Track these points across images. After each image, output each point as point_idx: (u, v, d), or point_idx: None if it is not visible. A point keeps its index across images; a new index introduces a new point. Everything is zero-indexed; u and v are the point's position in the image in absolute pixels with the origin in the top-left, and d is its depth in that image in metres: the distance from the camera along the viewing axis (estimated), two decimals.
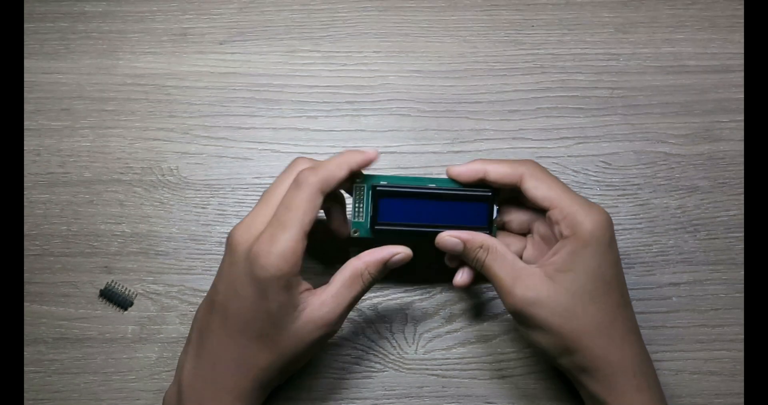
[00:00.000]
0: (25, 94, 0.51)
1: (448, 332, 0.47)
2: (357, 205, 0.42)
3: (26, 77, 0.51)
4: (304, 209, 0.37)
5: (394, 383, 0.46)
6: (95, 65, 0.52)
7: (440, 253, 0.42)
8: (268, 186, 0.49)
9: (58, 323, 0.46)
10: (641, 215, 0.49)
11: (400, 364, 0.46)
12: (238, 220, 0.48)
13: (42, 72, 0.51)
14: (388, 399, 0.46)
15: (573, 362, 0.39)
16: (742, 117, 0.51)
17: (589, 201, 0.40)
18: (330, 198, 0.41)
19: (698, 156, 0.50)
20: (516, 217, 0.43)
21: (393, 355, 0.46)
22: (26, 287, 0.46)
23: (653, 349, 0.41)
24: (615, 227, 0.40)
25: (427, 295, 0.47)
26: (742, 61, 0.52)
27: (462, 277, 0.43)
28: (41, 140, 0.50)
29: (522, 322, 0.40)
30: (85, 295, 0.47)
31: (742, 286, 0.47)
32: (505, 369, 0.46)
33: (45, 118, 0.50)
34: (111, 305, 0.47)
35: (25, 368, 0.45)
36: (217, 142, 0.50)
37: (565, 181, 0.44)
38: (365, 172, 0.41)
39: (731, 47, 0.52)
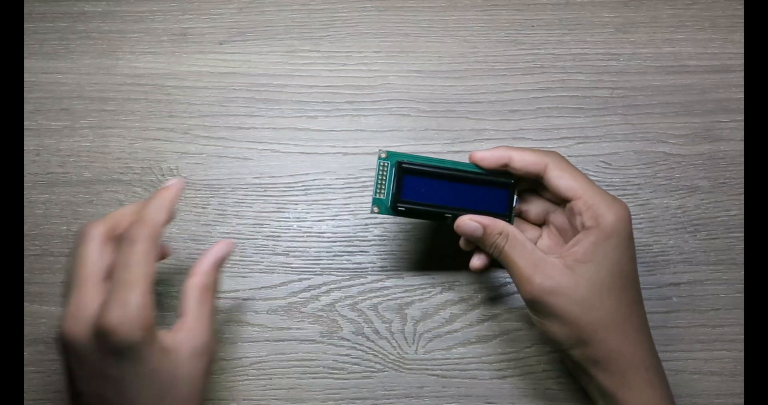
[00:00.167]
0: (25, 94, 0.51)
1: (448, 332, 0.47)
2: (379, 181, 0.42)
3: (26, 77, 0.51)
4: (146, 262, 0.35)
5: (394, 383, 0.46)
6: (95, 65, 0.52)
7: (451, 237, 0.42)
8: (267, 186, 0.49)
9: (58, 323, 0.46)
10: (641, 215, 0.49)
11: (400, 364, 0.46)
12: (238, 220, 0.48)
13: (42, 72, 0.51)
14: (388, 399, 0.46)
15: (585, 354, 0.39)
16: (742, 117, 0.51)
17: (611, 194, 0.40)
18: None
19: (698, 156, 0.50)
20: (533, 207, 0.43)
21: (393, 355, 0.46)
22: (26, 287, 0.46)
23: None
24: None
25: (427, 295, 0.47)
26: (742, 61, 0.52)
27: (478, 261, 0.43)
28: (41, 140, 0.50)
29: (538, 312, 0.40)
30: None
31: (742, 286, 0.47)
32: (505, 369, 0.46)
33: (45, 118, 0.50)
34: None
35: (25, 368, 0.45)
36: (217, 142, 0.50)
37: None
38: (390, 149, 0.42)
39: (731, 47, 0.52)
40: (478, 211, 0.41)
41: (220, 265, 0.40)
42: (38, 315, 0.46)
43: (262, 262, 0.48)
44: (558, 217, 0.42)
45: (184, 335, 0.37)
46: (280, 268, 0.48)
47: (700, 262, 0.48)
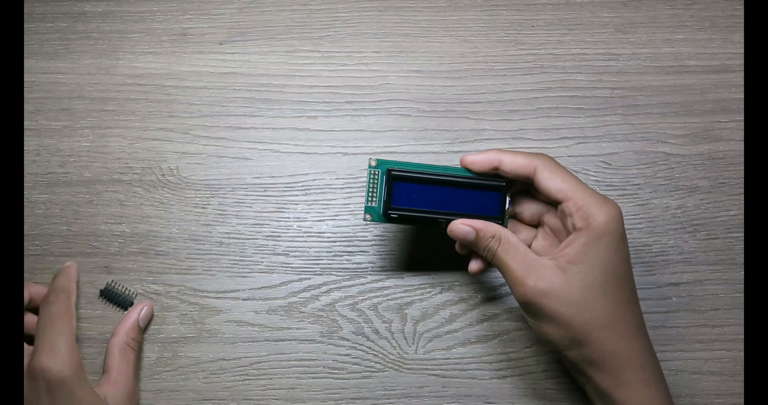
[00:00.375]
0: (25, 94, 0.51)
1: (448, 332, 0.47)
2: (371, 189, 0.42)
3: (26, 77, 0.51)
4: (68, 317, 0.41)
5: (394, 383, 0.46)
6: (95, 65, 0.52)
7: (447, 240, 0.42)
8: (267, 186, 0.49)
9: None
10: (641, 215, 0.49)
11: (400, 364, 0.46)
12: (238, 220, 0.48)
13: (42, 72, 0.51)
14: (388, 399, 0.46)
15: (581, 355, 0.39)
16: (742, 117, 0.51)
17: (602, 194, 0.40)
18: None
19: (698, 156, 0.50)
20: (527, 209, 0.43)
21: (393, 355, 0.46)
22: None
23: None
24: None
25: (427, 295, 0.47)
26: (742, 61, 0.52)
27: (475, 265, 0.43)
28: (41, 140, 0.50)
29: (532, 313, 0.40)
30: (85, 295, 0.47)
31: (742, 286, 0.47)
32: (505, 369, 0.46)
33: (45, 118, 0.50)
34: (111, 305, 0.47)
35: None
36: (217, 142, 0.50)
37: None
38: (380, 158, 0.42)
39: (731, 47, 0.52)
40: (471, 214, 0.41)
41: (141, 325, 0.45)
42: None
43: (262, 262, 0.48)
44: (552, 218, 0.42)
45: (109, 388, 0.42)
46: (280, 268, 0.48)
47: (699, 262, 0.48)
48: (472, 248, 0.42)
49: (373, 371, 0.46)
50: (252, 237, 0.48)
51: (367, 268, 0.48)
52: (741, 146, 0.50)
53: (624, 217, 0.48)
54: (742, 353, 0.46)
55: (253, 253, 0.48)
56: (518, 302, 0.40)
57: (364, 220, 0.42)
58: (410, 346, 0.46)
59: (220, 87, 0.51)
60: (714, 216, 0.49)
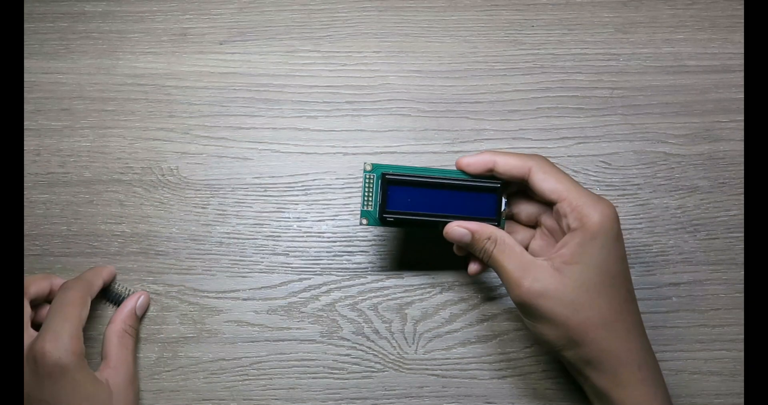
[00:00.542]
0: (25, 94, 0.51)
1: (448, 332, 0.47)
2: (366, 193, 0.42)
3: (26, 77, 0.51)
4: (79, 305, 0.42)
5: (394, 383, 0.46)
6: (95, 65, 0.52)
7: (446, 242, 0.42)
8: (267, 186, 0.49)
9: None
10: (641, 215, 0.49)
11: (400, 364, 0.46)
12: (238, 220, 0.48)
13: (42, 72, 0.51)
14: (388, 399, 0.46)
15: (578, 355, 0.39)
16: (742, 117, 0.51)
17: (596, 194, 0.40)
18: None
19: (698, 156, 0.50)
20: (524, 209, 0.43)
21: (393, 355, 0.46)
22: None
23: (653, 349, 0.41)
24: None
25: (427, 295, 0.47)
26: (742, 61, 0.52)
27: (474, 266, 0.43)
28: (41, 140, 0.50)
29: (528, 314, 0.40)
30: None
31: (742, 286, 0.47)
32: (505, 369, 0.46)
33: (45, 118, 0.50)
34: (111, 305, 0.47)
35: None
36: (217, 142, 0.50)
37: None
38: (379, 158, 0.42)
39: (731, 47, 0.52)
40: (467, 216, 0.42)
41: (138, 313, 0.46)
42: None
43: (262, 262, 0.48)
44: (548, 218, 0.42)
45: (109, 372, 0.42)
46: (280, 268, 0.48)
47: (699, 262, 0.48)
48: (468, 250, 0.42)
49: (373, 371, 0.46)
50: (252, 237, 0.48)
51: (367, 268, 0.48)
52: (741, 146, 0.50)
53: (624, 217, 0.48)
54: (742, 353, 0.46)
55: (253, 253, 0.48)
56: (515, 303, 0.40)
57: (360, 224, 0.43)
58: (410, 346, 0.46)
59: (220, 87, 0.51)
60: (714, 216, 0.49)
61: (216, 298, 0.47)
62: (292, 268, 0.48)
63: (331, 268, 0.48)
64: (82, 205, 0.49)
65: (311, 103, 0.51)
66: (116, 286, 0.47)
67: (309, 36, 0.52)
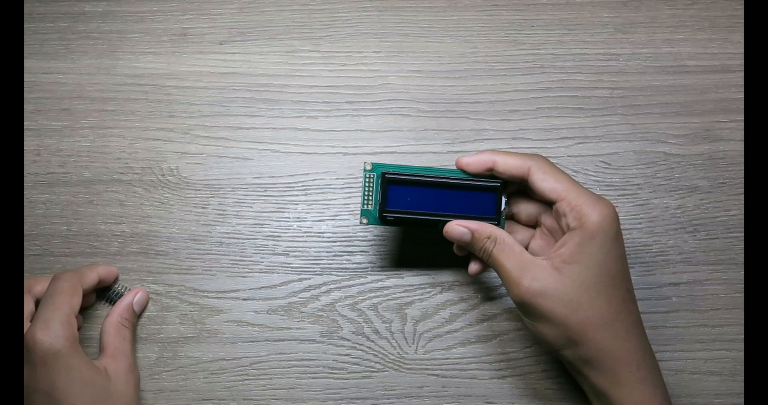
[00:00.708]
0: (25, 94, 0.51)
1: (448, 332, 0.47)
2: (366, 192, 0.42)
3: (26, 77, 0.51)
4: (70, 294, 0.42)
5: (394, 383, 0.46)
6: (95, 65, 0.52)
7: (446, 241, 0.42)
8: (267, 186, 0.49)
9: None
10: (641, 215, 0.49)
11: (400, 364, 0.46)
12: (238, 220, 0.48)
13: (42, 72, 0.51)
14: (388, 399, 0.46)
15: (577, 354, 0.39)
16: (742, 117, 0.51)
17: (596, 194, 0.40)
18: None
19: (698, 156, 0.50)
20: (524, 209, 0.43)
21: (393, 355, 0.46)
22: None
23: (653, 349, 0.41)
24: None
25: (427, 295, 0.47)
26: (742, 61, 0.52)
27: (475, 266, 0.43)
28: (41, 140, 0.50)
29: (527, 314, 0.40)
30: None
31: (742, 286, 0.47)
32: (505, 369, 0.46)
33: (45, 118, 0.50)
34: (111, 306, 0.47)
35: None
36: (217, 142, 0.50)
37: None
38: (378, 158, 0.42)
39: (731, 47, 0.52)
40: (467, 216, 0.42)
41: (136, 308, 0.46)
42: None
43: (262, 262, 0.48)
44: (548, 218, 0.42)
45: (108, 361, 0.42)
46: (280, 268, 0.48)
47: (699, 262, 0.48)
48: (468, 249, 0.42)
49: (373, 371, 0.46)
50: (252, 237, 0.48)
51: (367, 268, 0.48)
52: (741, 146, 0.50)
53: (624, 217, 0.48)
54: (742, 353, 0.46)
55: (253, 253, 0.48)
56: (514, 302, 0.40)
57: (360, 223, 0.43)
58: (410, 346, 0.46)
59: (220, 87, 0.51)
60: (714, 216, 0.49)
61: (216, 298, 0.47)
62: (292, 268, 0.48)
63: (331, 268, 0.48)
64: (82, 205, 0.49)
65: (311, 103, 0.51)
66: (116, 287, 0.47)
67: (309, 36, 0.52)
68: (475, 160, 0.42)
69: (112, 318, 0.45)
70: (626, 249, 0.41)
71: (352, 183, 0.49)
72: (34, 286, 0.44)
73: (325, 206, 0.49)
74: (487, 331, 0.47)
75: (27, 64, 0.51)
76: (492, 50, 0.52)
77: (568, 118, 0.51)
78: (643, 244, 0.48)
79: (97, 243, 0.48)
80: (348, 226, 0.48)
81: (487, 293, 0.47)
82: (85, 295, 0.44)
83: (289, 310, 0.47)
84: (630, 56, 0.52)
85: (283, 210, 0.49)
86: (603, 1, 0.53)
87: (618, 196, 0.49)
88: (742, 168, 0.49)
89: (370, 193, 0.42)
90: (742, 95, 0.51)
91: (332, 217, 0.49)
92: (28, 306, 0.43)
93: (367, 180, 0.42)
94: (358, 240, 0.48)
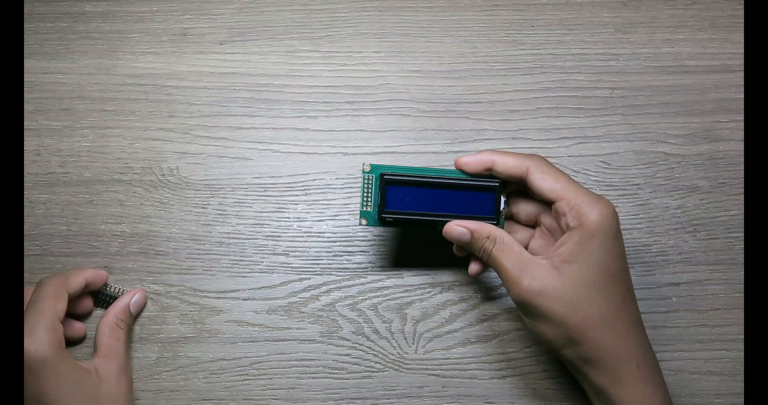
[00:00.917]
0: (26, 94, 0.51)
1: (448, 332, 0.47)
2: (365, 194, 0.42)
3: (26, 77, 0.51)
4: (54, 299, 0.41)
5: (394, 383, 0.46)
6: (95, 65, 0.52)
7: (446, 242, 0.42)
8: (267, 186, 0.49)
9: None
10: (641, 215, 0.49)
11: (400, 364, 0.46)
12: (238, 220, 0.48)
13: (42, 72, 0.51)
14: (388, 399, 0.46)
15: (577, 353, 0.39)
16: (742, 117, 0.51)
17: (595, 193, 0.40)
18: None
19: (698, 156, 0.50)
20: (524, 209, 0.43)
21: (393, 355, 0.46)
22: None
23: (653, 348, 0.41)
24: None
25: (427, 295, 0.47)
26: (742, 61, 0.52)
27: (475, 266, 0.43)
28: (41, 140, 0.50)
29: (527, 313, 0.40)
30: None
31: (742, 286, 0.47)
32: (505, 369, 0.46)
33: (45, 118, 0.50)
34: (103, 309, 0.46)
35: None
36: (217, 142, 0.50)
37: None
38: (373, 163, 0.42)
39: (731, 47, 0.52)
40: (466, 216, 0.42)
41: (132, 310, 0.46)
42: None
43: (262, 262, 0.48)
44: (548, 218, 0.43)
45: (100, 361, 0.42)
46: (280, 268, 0.48)
47: (699, 262, 0.48)
48: (468, 249, 0.42)
49: (373, 371, 0.46)
50: (252, 237, 0.48)
51: (367, 268, 0.48)
52: (741, 146, 0.50)
53: (624, 217, 0.48)
54: (742, 353, 0.46)
55: (253, 253, 0.48)
56: (514, 302, 0.40)
57: (360, 224, 0.43)
58: (410, 346, 0.46)
59: (220, 87, 0.51)
60: (714, 216, 0.49)
61: (216, 298, 0.47)
62: (292, 268, 0.48)
63: (331, 268, 0.48)
64: (82, 205, 0.49)
65: (311, 103, 0.51)
66: (108, 289, 0.46)
67: (309, 36, 0.52)
68: (474, 160, 0.42)
69: (107, 318, 0.45)
70: (626, 249, 0.41)
71: (352, 183, 0.49)
72: (66, 281, 0.44)
73: (325, 206, 0.49)
74: (487, 331, 0.47)
75: (27, 64, 0.51)
76: (492, 50, 0.52)
77: (568, 118, 0.51)
78: (643, 244, 0.48)
79: (97, 243, 0.48)
80: (348, 226, 0.48)
81: (487, 293, 0.47)
82: (72, 299, 0.44)
83: (289, 310, 0.47)
84: (630, 56, 0.52)
85: (283, 210, 0.49)
86: (603, 1, 0.53)
87: (618, 196, 0.49)
88: (742, 168, 0.49)
89: (369, 195, 0.42)
90: (742, 95, 0.51)
91: (332, 217, 0.49)
92: (60, 291, 0.43)
93: (365, 181, 0.42)
94: (358, 240, 0.48)
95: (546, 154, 0.49)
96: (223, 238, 0.48)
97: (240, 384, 0.46)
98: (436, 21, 0.53)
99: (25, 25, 0.52)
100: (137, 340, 0.46)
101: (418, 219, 0.42)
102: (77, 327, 0.46)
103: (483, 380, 0.46)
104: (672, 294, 0.47)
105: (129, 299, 0.46)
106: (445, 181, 0.42)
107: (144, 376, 0.46)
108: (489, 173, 0.42)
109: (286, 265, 0.48)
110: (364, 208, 0.43)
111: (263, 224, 0.48)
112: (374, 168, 0.42)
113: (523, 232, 0.44)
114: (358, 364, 0.46)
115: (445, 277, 0.48)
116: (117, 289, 0.47)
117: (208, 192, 0.49)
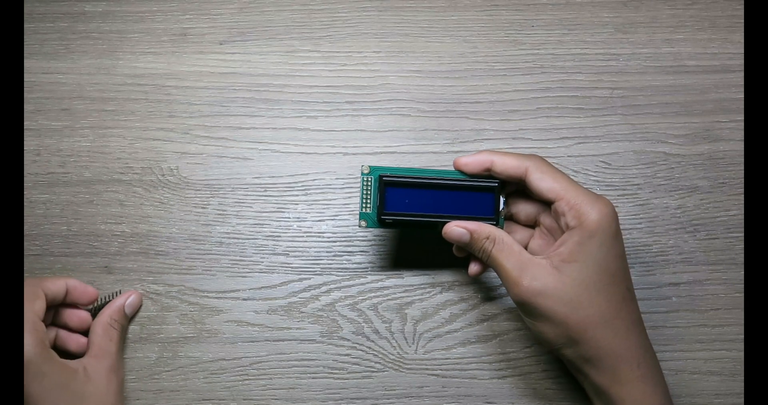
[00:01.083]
0: (25, 94, 0.51)
1: (448, 332, 0.47)
2: (364, 195, 0.42)
3: (26, 77, 0.51)
4: (31, 299, 0.41)
5: (394, 383, 0.46)
6: (95, 65, 0.52)
7: (446, 242, 0.42)
8: (267, 186, 0.49)
9: None
10: (641, 215, 0.49)
11: (400, 364, 0.46)
12: (238, 220, 0.48)
13: (42, 72, 0.51)
14: (388, 399, 0.46)
15: (577, 353, 0.39)
16: (742, 117, 0.51)
17: (594, 193, 0.40)
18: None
19: (698, 156, 0.50)
20: (523, 209, 0.43)
21: (393, 355, 0.46)
22: None
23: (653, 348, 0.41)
24: None
25: (427, 295, 0.47)
26: (742, 61, 0.52)
27: (475, 267, 0.43)
28: (41, 140, 0.50)
29: (527, 313, 0.40)
30: None
31: (742, 286, 0.47)
32: (505, 369, 0.46)
33: (45, 118, 0.50)
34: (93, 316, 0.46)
35: None
36: (217, 142, 0.50)
37: None
38: (372, 164, 0.42)
39: (731, 47, 0.52)
40: (466, 216, 0.42)
41: (127, 311, 0.46)
42: None
43: (262, 262, 0.48)
44: (547, 218, 0.43)
45: (90, 360, 0.42)
46: (280, 268, 0.48)
47: (699, 262, 0.48)
48: (468, 250, 0.42)
49: (373, 371, 0.46)
50: (252, 237, 0.48)
51: (367, 268, 0.48)
52: (741, 146, 0.50)
53: (624, 217, 0.48)
54: (742, 353, 0.46)
55: (253, 253, 0.48)
56: (514, 302, 0.40)
57: (359, 226, 0.43)
58: (410, 346, 0.46)
59: (220, 87, 0.51)
60: (714, 216, 0.49)
61: (216, 298, 0.47)
62: (292, 268, 0.48)
63: (331, 268, 0.48)
64: (82, 205, 0.49)
65: (311, 103, 0.51)
66: (101, 301, 0.46)
67: (309, 36, 0.52)
68: (473, 161, 0.42)
69: (101, 318, 0.45)
70: (626, 249, 0.41)
71: (352, 183, 0.49)
72: (44, 285, 0.43)
73: (325, 206, 0.49)
74: (487, 331, 0.47)
75: (27, 64, 0.51)
76: (492, 50, 0.52)
77: (568, 118, 0.51)
78: (643, 244, 0.48)
79: (97, 243, 0.48)
80: (348, 226, 0.48)
81: (487, 293, 0.47)
82: (56, 304, 0.43)
83: (289, 310, 0.47)
84: (630, 56, 0.52)
85: (283, 210, 0.49)
86: (603, 1, 0.53)
87: (618, 196, 0.49)
88: (742, 168, 0.49)
89: (368, 197, 0.42)
90: (742, 95, 0.51)
91: (332, 217, 0.49)
92: (36, 292, 0.42)
93: (364, 183, 0.42)
94: (358, 240, 0.48)
95: (546, 154, 0.49)
96: (223, 238, 0.48)
97: (240, 384, 0.46)
98: (436, 21, 0.53)
99: (25, 25, 0.52)
100: (137, 340, 0.46)
101: (418, 220, 0.42)
102: (82, 342, 0.45)
103: (483, 380, 0.46)
104: (672, 294, 0.47)
105: (124, 300, 0.46)
106: (444, 181, 0.42)
107: (144, 376, 0.46)
108: (488, 173, 0.42)
109: (286, 265, 0.48)
110: (364, 210, 0.43)
111: (263, 224, 0.48)
112: (373, 170, 0.42)
113: (522, 232, 0.44)
114: (358, 364, 0.46)
115: (445, 277, 0.48)
116: (111, 295, 0.46)
117: (208, 192, 0.49)
